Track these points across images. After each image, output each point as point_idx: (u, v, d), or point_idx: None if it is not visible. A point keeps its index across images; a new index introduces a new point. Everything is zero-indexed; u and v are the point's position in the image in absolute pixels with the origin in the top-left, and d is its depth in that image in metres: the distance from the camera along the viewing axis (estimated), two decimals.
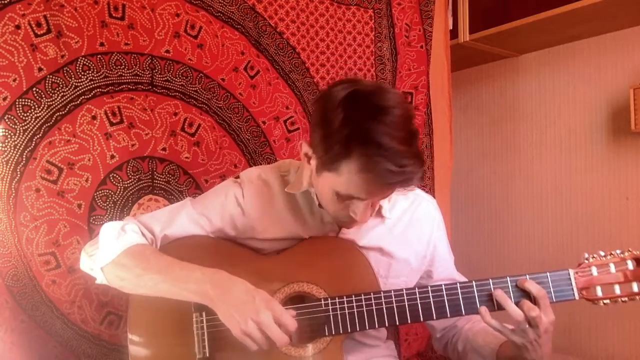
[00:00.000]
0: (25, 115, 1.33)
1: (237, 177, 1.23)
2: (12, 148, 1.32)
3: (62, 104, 1.38)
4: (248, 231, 1.19)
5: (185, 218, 1.18)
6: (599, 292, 1.06)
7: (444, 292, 1.06)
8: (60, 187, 1.38)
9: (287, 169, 1.22)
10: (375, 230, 1.18)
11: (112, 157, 1.45)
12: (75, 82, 1.40)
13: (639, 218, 1.99)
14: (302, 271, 1.12)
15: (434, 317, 1.06)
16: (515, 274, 1.08)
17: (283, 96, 1.74)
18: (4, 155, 1.31)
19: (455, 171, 2.16)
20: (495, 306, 1.05)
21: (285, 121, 1.75)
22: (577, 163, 2.19)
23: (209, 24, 1.60)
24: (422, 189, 1.31)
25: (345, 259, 1.14)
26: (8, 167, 1.31)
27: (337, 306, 1.06)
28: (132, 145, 1.48)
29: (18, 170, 1.33)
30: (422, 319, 1.07)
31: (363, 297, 1.06)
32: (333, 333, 1.07)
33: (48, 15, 1.35)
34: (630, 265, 1.05)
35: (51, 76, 1.36)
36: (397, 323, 1.07)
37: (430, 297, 1.06)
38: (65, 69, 1.38)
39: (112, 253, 1.08)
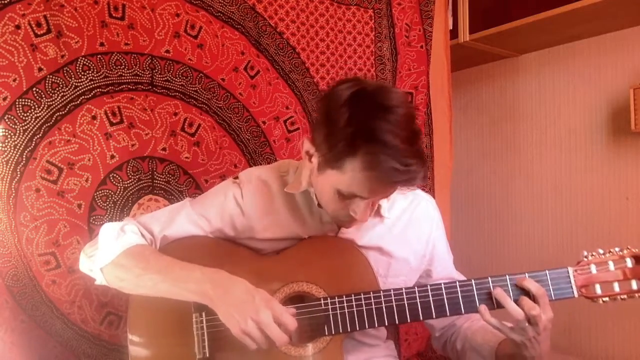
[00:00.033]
0: (25, 115, 1.33)
1: (236, 177, 1.23)
2: (12, 148, 1.32)
3: (62, 104, 1.38)
4: (247, 231, 1.19)
5: (184, 218, 1.18)
6: (598, 289, 1.06)
7: (444, 291, 1.06)
8: (60, 187, 1.38)
9: (286, 169, 1.22)
10: (374, 230, 1.19)
11: (112, 157, 1.45)
12: (75, 82, 1.40)
13: (639, 218, 1.99)
14: (302, 271, 1.12)
15: (434, 316, 1.07)
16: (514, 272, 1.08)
17: (283, 96, 1.75)
18: (4, 155, 1.31)
19: (455, 171, 2.16)
20: (494, 304, 1.05)
21: (285, 121, 1.75)
22: (577, 163, 2.19)
23: (209, 24, 1.60)
24: (421, 189, 1.31)
25: (345, 259, 1.14)
26: (8, 167, 1.31)
27: (337, 306, 1.06)
28: (132, 145, 1.48)
29: (18, 170, 1.33)
30: (421, 318, 1.07)
31: (362, 296, 1.06)
32: (333, 332, 1.07)
33: (48, 15, 1.35)
34: (629, 263, 1.05)
35: (51, 76, 1.36)
36: (397, 322, 1.07)
37: (430, 296, 1.06)
38: (65, 69, 1.38)
39: (111, 254, 1.08)
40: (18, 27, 1.31)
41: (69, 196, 1.39)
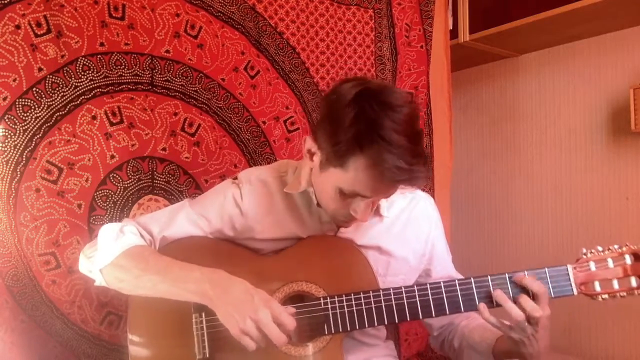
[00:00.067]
0: (25, 115, 1.33)
1: (235, 178, 1.23)
2: (12, 148, 1.32)
3: (62, 104, 1.38)
4: (246, 231, 1.19)
5: (183, 219, 1.18)
6: (597, 287, 1.06)
7: (443, 290, 1.06)
8: (60, 187, 1.38)
9: (285, 170, 1.22)
10: (373, 229, 1.19)
11: (112, 157, 1.45)
12: (75, 82, 1.40)
13: (639, 218, 1.99)
14: (301, 270, 1.12)
15: (433, 315, 1.07)
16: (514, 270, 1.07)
17: (283, 96, 1.75)
18: (4, 155, 1.31)
19: (455, 171, 2.16)
20: (494, 303, 1.05)
21: (285, 121, 1.75)
22: (577, 163, 2.19)
23: (209, 24, 1.60)
24: (421, 189, 1.31)
25: (344, 258, 1.14)
26: (8, 167, 1.32)
27: (337, 305, 1.07)
28: (132, 145, 1.48)
29: (18, 170, 1.33)
30: (421, 317, 1.07)
31: (362, 295, 1.07)
32: (332, 332, 1.07)
33: (48, 15, 1.35)
34: (629, 259, 1.05)
35: (51, 76, 1.36)
36: (396, 321, 1.07)
37: (429, 294, 1.06)
38: (65, 69, 1.38)
39: (110, 255, 1.08)
40: (18, 27, 1.31)
41: (69, 196, 1.39)
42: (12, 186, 1.32)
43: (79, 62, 1.40)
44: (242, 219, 1.18)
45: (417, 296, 1.06)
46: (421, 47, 2.01)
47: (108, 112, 1.44)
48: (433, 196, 1.90)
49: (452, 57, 2.08)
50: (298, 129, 1.77)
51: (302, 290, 1.11)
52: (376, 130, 0.93)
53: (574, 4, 1.79)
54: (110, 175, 1.45)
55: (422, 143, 1.00)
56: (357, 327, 1.06)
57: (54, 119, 1.37)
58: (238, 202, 1.19)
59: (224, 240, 1.20)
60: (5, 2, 1.30)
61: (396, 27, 1.95)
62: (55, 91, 1.37)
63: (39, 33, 1.34)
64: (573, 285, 1.05)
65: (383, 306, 1.06)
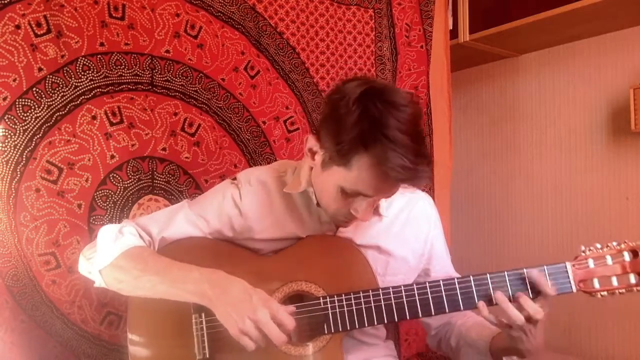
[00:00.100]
0: (25, 115, 1.33)
1: (234, 178, 1.23)
2: (12, 148, 1.32)
3: (62, 104, 1.38)
4: (245, 232, 1.19)
5: (182, 220, 1.18)
6: (596, 284, 1.06)
7: (442, 288, 1.06)
8: (60, 187, 1.38)
9: (284, 170, 1.22)
10: (372, 229, 1.19)
11: (112, 157, 1.45)
12: (75, 82, 1.40)
13: (639, 218, 1.99)
14: (301, 270, 1.12)
15: (432, 313, 1.07)
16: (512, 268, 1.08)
17: (283, 96, 1.75)
18: (4, 155, 1.31)
19: (455, 171, 2.16)
20: (493, 300, 1.05)
21: (285, 121, 1.75)
22: (577, 163, 2.19)
23: (209, 24, 1.60)
24: (420, 188, 1.31)
25: (344, 258, 1.14)
26: (8, 167, 1.32)
27: (336, 304, 1.07)
28: (132, 145, 1.48)
29: (18, 170, 1.33)
30: (420, 315, 1.07)
31: (362, 294, 1.07)
32: (332, 331, 1.07)
33: (48, 15, 1.35)
34: (627, 256, 1.05)
35: (51, 76, 1.36)
36: (396, 320, 1.07)
37: (429, 293, 1.06)
38: (65, 69, 1.38)
39: (110, 256, 1.08)
40: (18, 27, 1.31)
41: (69, 196, 1.39)
42: (12, 186, 1.32)
43: (79, 62, 1.40)
44: (241, 219, 1.18)
45: (416, 295, 1.06)
46: (421, 47, 2.01)
47: (108, 112, 1.44)
48: (433, 196, 1.91)
49: (452, 57, 2.08)
50: (298, 129, 1.77)
51: (301, 290, 1.11)
52: (380, 129, 0.94)
53: (574, 4, 1.79)
54: (110, 175, 1.45)
55: (425, 143, 1.01)
56: (357, 327, 1.07)
57: (54, 119, 1.37)
58: (237, 203, 1.19)
59: (223, 241, 1.20)
60: (5, 2, 1.30)
61: (396, 27, 1.95)
62: (55, 91, 1.37)
63: (39, 33, 1.34)
64: (572, 282, 1.05)
65: (382, 305, 1.06)
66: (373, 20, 1.92)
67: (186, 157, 1.57)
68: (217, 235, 1.20)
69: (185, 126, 1.57)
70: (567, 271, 1.06)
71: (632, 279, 1.05)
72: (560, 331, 2.16)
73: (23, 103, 1.33)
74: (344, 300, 1.07)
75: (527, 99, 2.36)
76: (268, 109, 1.72)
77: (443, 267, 1.27)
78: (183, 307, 1.06)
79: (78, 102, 1.40)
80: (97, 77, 1.43)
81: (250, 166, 1.66)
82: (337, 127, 0.99)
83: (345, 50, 1.87)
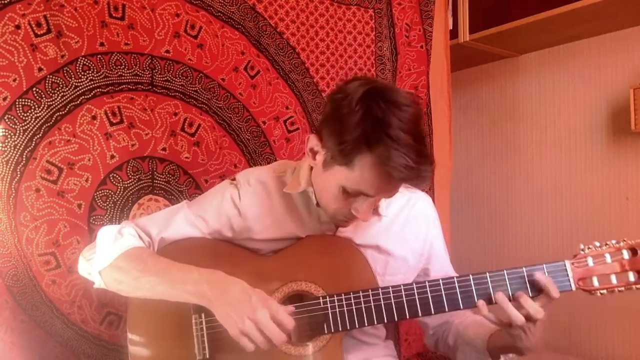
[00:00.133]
0: (25, 115, 1.33)
1: (234, 178, 1.23)
2: (12, 148, 1.32)
3: (62, 104, 1.38)
4: (245, 232, 1.19)
5: (182, 220, 1.18)
6: (595, 282, 1.06)
7: (442, 287, 1.06)
8: (60, 187, 1.38)
9: (283, 170, 1.22)
10: (372, 228, 1.19)
11: (112, 157, 1.45)
12: (75, 82, 1.40)
13: (639, 218, 1.99)
14: (301, 270, 1.12)
15: (432, 312, 1.07)
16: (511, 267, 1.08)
17: (283, 96, 1.75)
18: (4, 155, 1.31)
19: (455, 171, 2.16)
20: (493, 299, 1.05)
21: (285, 121, 1.75)
22: (577, 163, 2.19)
23: (209, 24, 1.60)
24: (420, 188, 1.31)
25: (343, 257, 1.14)
26: (8, 167, 1.32)
27: (336, 304, 1.07)
28: (132, 145, 1.48)
29: (18, 170, 1.33)
30: (420, 315, 1.07)
31: (361, 294, 1.07)
32: (332, 331, 1.07)
33: (48, 15, 1.35)
34: (626, 254, 1.05)
35: (51, 76, 1.36)
36: (396, 319, 1.07)
37: (428, 292, 1.06)
38: (65, 69, 1.38)
39: (109, 256, 1.08)
40: (18, 27, 1.31)
41: (69, 196, 1.39)
42: (12, 186, 1.32)
43: (79, 62, 1.40)
44: (240, 219, 1.18)
45: (416, 294, 1.06)
46: (421, 47, 2.01)
47: (108, 112, 1.44)
48: (433, 196, 1.91)
49: (452, 57, 2.08)
50: (298, 129, 1.77)
51: (301, 290, 1.11)
52: (383, 129, 0.94)
53: (574, 4, 1.79)
54: (110, 175, 1.45)
55: (426, 143, 1.01)
56: (357, 326, 1.07)
57: (54, 119, 1.37)
58: (236, 203, 1.19)
59: (222, 241, 1.20)
60: (5, 2, 1.30)
61: (396, 27, 1.95)
62: (55, 91, 1.37)
63: (39, 33, 1.34)
64: (571, 280, 1.05)
65: (382, 305, 1.06)
66: (373, 20, 1.92)
67: (186, 157, 1.57)
68: (217, 236, 1.20)
69: (185, 126, 1.57)
70: (566, 269, 1.06)
71: (631, 277, 1.05)
72: (560, 331, 2.16)
73: (23, 103, 1.33)
74: (343, 300, 1.07)
75: (527, 99, 2.36)
76: (268, 109, 1.72)
77: (442, 267, 1.28)
78: (183, 308, 1.06)
79: (78, 102, 1.40)
80: (97, 77, 1.43)
81: (250, 166, 1.66)
82: (340, 126, 0.99)
83: (345, 50, 1.87)
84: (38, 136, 1.35)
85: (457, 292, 1.06)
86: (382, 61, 1.94)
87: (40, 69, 1.35)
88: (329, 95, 1.08)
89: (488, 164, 2.52)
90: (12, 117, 1.32)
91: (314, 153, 1.08)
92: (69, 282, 1.39)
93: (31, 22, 1.33)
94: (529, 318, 1.01)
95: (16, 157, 1.33)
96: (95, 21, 1.42)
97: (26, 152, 1.34)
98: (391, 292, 1.07)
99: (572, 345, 2.14)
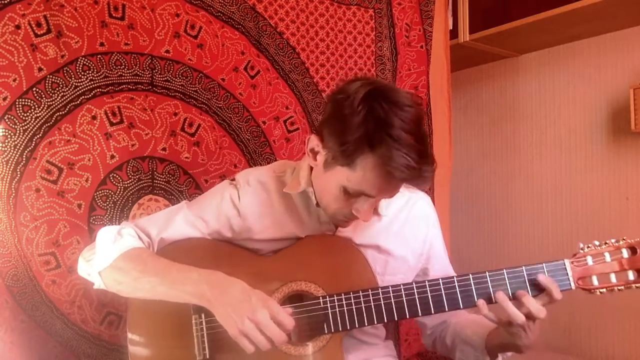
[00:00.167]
0: (25, 115, 1.33)
1: (233, 179, 1.23)
2: (12, 148, 1.32)
3: (62, 104, 1.38)
4: (244, 232, 1.19)
5: (181, 220, 1.18)
6: (595, 281, 1.06)
7: (442, 287, 1.06)
8: (60, 187, 1.38)
9: (283, 170, 1.22)
10: (372, 228, 1.19)
11: (112, 157, 1.45)
12: (75, 82, 1.40)
13: (639, 218, 1.99)
14: (300, 270, 1.12)
15: (432, 312, 1.07)
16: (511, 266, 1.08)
17: (283, 96, 1.75)
18: (4, 155, 1.31)
19: (455, 171, 2.16)
20: (493, 299, 1.05)
21: (285, 121, 1.75)
22: (577, 163, 2.19)
23: (209, 24, 1.60)
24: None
25: (343, 257, 1.14)
26: (8, 167, 1.32)
27: (336, 304, 1.07)
28: (132, 145, 1.48)
29: (18, 170, 1.33)
30: (420, 314, 1.07)
31: (361, 294, 1.07)
32: (332, 331, 1.07)
33: (48, 15, 1.35)
34: (625, 253, 1.05)
35: (51, 76, 1.36)
36: (396, 319, 1.07)
37: (428, 292, 1.06)
38: (65, 69, 1.38)
39: (109, 257, 1.08)
40: (18, 27, 1.31)
41: (69, 196, 1.39)
42: (12, 186, 1.32)
43: (79, 62, 1.40)
44: (239, 220, 1.18)
45: (416, 294, 1.06)
46: (421, 47, 2.01)
47: (108, 112, 1.44)
48: (433, 196, 1.91)
49: (452, 57, 2.08)
50: (298, 129, 1.77)
51: (301, 290, 1.11)
52: (385, 129, 0.94)
53: (574, 4, 1.79)
54: (110, 175, 1.45)
55: (428, 143, 1.01)
56: (357, 326, 1.07)
57: (54, 119, 1.37)
58: (236, 203, 1.19)
59: (222, 242, 1.20)
60: (5, 2, 1.30)
61: (396, 27, 1.95)
62: (55, 91, 1.37)
63: (39, 33, 1.34)
64: (571, 279, 1.05)
65: (382, 305, 1.06)
66: (373, 20, 1.92)
67: (186, 157, 1.57)
68: (216, 236, 1.20)
69: (185, 126, 1.57)
70: (565, 268, 1.06)
71: (631, 275, 1.05)
72: (560, 331, 2.16)
73: (23, 103, 1.33)
74: (343, 300, 1.07)
75: (527, 99, 2.36)
76: (268, 109, 1.72)
77: (441, 267, 1.28)
78: (183, 308, 1.06)
79: (78, 102, 1.40)
80: (97, 77, 1.43)
81: (250, 166, 1.66)
82: (342, 127, 0.99)
83: (345, 50, 1.87)
84: (38, 136, 1.35)
85: (457, 291, 1.06)
86: (382, 61, 1.94)
87: (40, 69, 1.35)
88: (330, 96, 1.08)
89: (488, 164, 2.52)
90: (12, 117, 1.32)
91: (314, 153, 1.08)
92: (69, 282, 1.39)
93: (31, 22, 1.33)
94: (529, 316, 1.01)
95: (16, 157, 1.33)
96: (95, 21, 1.42)
97: (26, 152, 1.34)
98: (391, 292, 1.07)
99: (572, 345, 2.14)
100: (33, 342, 1.34)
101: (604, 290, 1.05)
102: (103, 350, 1.43)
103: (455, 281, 1.07)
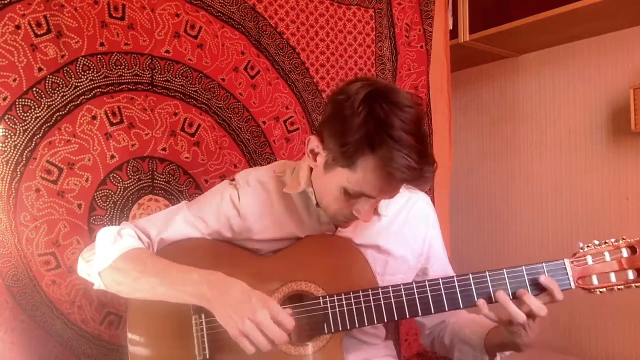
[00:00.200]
0: (25, 115, 1.33)
1: (233, 179, 1.23)
2: (12, 148, 1.32)
3: (62, 104, 1.38)
4: (244, 232, 1.19)
5: (181, 221, 1.18)
6: (594, 280, 1.06)
7: (442, 287, 1.06)
8: (60, 187, 1.38)
9: (282, 170, 1.22)
10: (371, 228, 1.19)
11: (112, 157, 1.45)
12: (75, 82, 1.40)
13: (639, 218, 1.99)
14: (300, 270, 1.12)
15: (432, 311, 1.07)
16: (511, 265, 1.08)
17: (283, 96, 1.75)
18: (4, 155, 1.31)
19: (455, 171, 2.16)
20: (493, 299, 1.05)
21: (285, 121, 1.75)
22: (577, 163, 2.19)
23: (209, 24, 1.60)
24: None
25: (343, 257, 1.14)
26: (8, 167, 1.32)
27: (336, 304, 1.07)
28: (132, 145, 1.48)
29: (18, 170, 1.33)
30: (420, 314, 1.07)
31: (361, 294, 1.07)
32: (332, 331, 1.07)
33: (48, 15, 1.35)
34: (625, 253, 1.05)
35: (51, 76, 1.36)
36: (396, 318, 1.07)
37: (428, 292, 1.06)
38: (65, 69, 1.38)
39: (109, 258, 1.08)
40: (18, 27, 1.31)
41: (69, 196, 1.39)
42: (12, 186, 1.32)
43: (79, 62, 1.40)
44: (239, 220, 1.18)
45: (416, 294, 1.06)
46: (421, 47, 2.01)
47: (108, 112, 1.44)
48: (433, 196, 1.91)
49: (452, 57, 2.08)
50: (298, 129, 1.77)
51: (301, 290, 1.11)
52: (386, 130, 0.94)
53: (574, 4, 1.80)
54: (110, 175, 1.45)
55: (428, 143, 1.01)
56: (357, 326, 1.07)
57: (54, 119, 1.37)
58: (235, 203, 1.19)
59: (222, 242, 1.20)
60: (5, 2, 1.30)
61: (396, 27, 1.95)
62: (55, 91, 1.37)
63: (39, 33, 1.34)
64: (570, 279, 1.06)
65: (382, 304, 1.06)
66: (373, 20, 1.92)
67: (186, 157, 1.57)
68: (216, 236, 1.20)
69: (185, 126, 1.57)
70: (565, 268, 1.06)
71: (631, 275, 1.05)
72: (560, 331, 2.16)
73: (23, 103, 1.33)
74: (343, 300, 1.07)
75: (527, 99, 2.36)
76: (268, 109, 1.72)
77: (441, 267, 1.28)
78: (183, 308, 1.06)
79: (78, 102, 1.40)
80: (97, 77, 1.43)
81: (250, 166, 1.66)
82: (342, 128, 0.99)
83: (345, 50, 1.87)
84: (38, 136, 1.35)
85: (457, 291, 1.06)
86: (382, 61, 1.94)
87: (40, 69, 1.35)
88: (330, 97, 1.08)
89: (488, 164, 2.52)
90: (12, 117, 1.32)
91: (314, 154, 1.08)
92: (69, 282, 1.39)
93: (31, 22, 1.33)
94: (530, 315, 1.01)
95: (16, 157, 1.33)
96: (95, 21, 1.42)
97: (26, 152, 1.34)
98: (391, 291, 1.07)
99: (572, 345, 2.14)
100: (33, 342, 1.34)
101: (604, 289, 1.05)
102: (103, 350, 1.43)
103: (455, 281, 1.07)
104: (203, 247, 1.18)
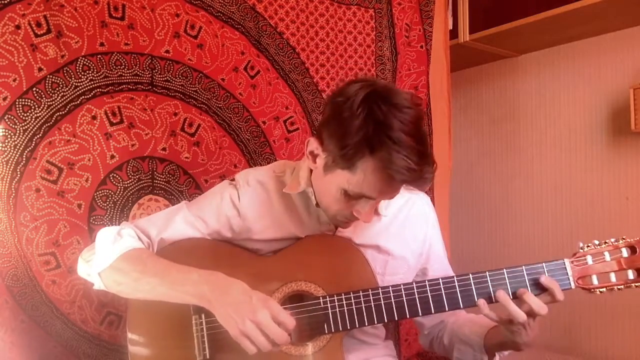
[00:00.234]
0: (25, 115, 1.33)
1: (233, 179, 1.23)
2: (12, 148, 1.32)
3: (62, 104, 1.38)
4: (244, 232, 1.19)
5: (181, 221, 1.18)
6: (594, 280, 1.06)
7: (442, 287, 1.06)
8: (60, 187, 1.38)
9: (282, 170, 1.22)
10: (371, 228, 1.19)
11: (112, 157, 1.45)
12: (75, 82, 1.40)
13: (639, 218, 1.99)
14: (300, 270, 1.12)
15: (432, 311, 1.07)
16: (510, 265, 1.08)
17: (283, 96, 1.75)
18: (4, 155, 1.31)
19: (455, 171, 2.16)
20: (494, 299, 1.05)
21: (285, 121, 1.75)
22: (577, 163, 2.19)
23: (209, 24, 1.60)
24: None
25: (343, 257, 1.14)
26: (8, 167, 1.32)
27: (336, 304, 1.07)
28: (132, 145, 1.48)
29: (18, 170, 1.33)
30: (420, 314, 1.07)
31: (361, 294, 1.07)
32: (332, 331, 1.07)
33: (48, 15, 1.35)
34: (625, 252, 1.06)
35: (51, 76, 1.36)
36: (396, 318, 1.07)
37: (428, 291, 1.06)
38: (65, 69, 1.38)
39: (108, 258, 1.08)
40: (18, 27, 1.31)
41: (69, 196, 1.39)
42: (12, 186, 1.32)
43: (79, 62, 1.40)
44: (239, 220, 1.18)
45: (416, 294, 1.06)
46: (421, 47, 2.01)
47: (108, 112, 1.44)
48: (433, 196, 1.91)
49: (452, 57, 2.08)
50: (298, 129, 1.77)
51: (301, 290, 1.11)
52: (385, 132, 0.94)
53: (574, 4, 1.79)
54: (110, 175, 1.45)
55: (428, 144, 1.01)
56: (357, 326, 1.07)
57: (54, 119, 1.37)
58: (235, 204, 1.19)
59: (222, 242, 1.20)
60: (5, 2, 1.30)
61: (396, 27, 1.95)
62: (55, 91, 1.37)
63: (39, 33, 1.34)
64: (570, 279, 1.06)
65: (382, 304, 1.06)
66: (373, 20, 1.92)
67: (186, 157, 1.57)
68: (216, 236, 1.20)
69: (185, 126, 1.57)
70: (565, 268, 1.06)
71: (630, 275, 1.05)
72: (560, 331, 2.16)
73: (23, 103, 1.33)
74: (343, 300, 1.07)
75: (527, 99, 2.36)
76: (268, 109, 1.72)
77: (441, 267, 1.28)
78: (183, 308, 1.06)
79: (78, 102, 1.40)
80: (97, 77, 1.43)
81: (250, 166, 1.66)
82: (342, 130, 0.99)
83: (345, 50, 1.87)
84: (38, 136, 1.35)
85: (457, 291, 1.06)
86: (382, 61, 1.94)
87: (40, 69, 1.35)
88: (329, 98, 1.08)
89: (488, 164, 2.51)
90: (12, 117, 1.32)
91: (314, 156, 1.08)
92: (69, 282, 1.39)
93: (31, 22, 1.33)
94: (530, 314, 1.01)
95: (16, 157, 1.33)
96: (95, 21, 1.42)
97: (26, 152, 1.34)
98: (391, 291, 1.07)
99: (572, 345, 2.14)
100: (33, 342, 1.34)
101: (604, 289, 1.05)
102: (103, 350, 1.43)
103: (455, 281, 1.07)
104: (203, 247, 1.18)
